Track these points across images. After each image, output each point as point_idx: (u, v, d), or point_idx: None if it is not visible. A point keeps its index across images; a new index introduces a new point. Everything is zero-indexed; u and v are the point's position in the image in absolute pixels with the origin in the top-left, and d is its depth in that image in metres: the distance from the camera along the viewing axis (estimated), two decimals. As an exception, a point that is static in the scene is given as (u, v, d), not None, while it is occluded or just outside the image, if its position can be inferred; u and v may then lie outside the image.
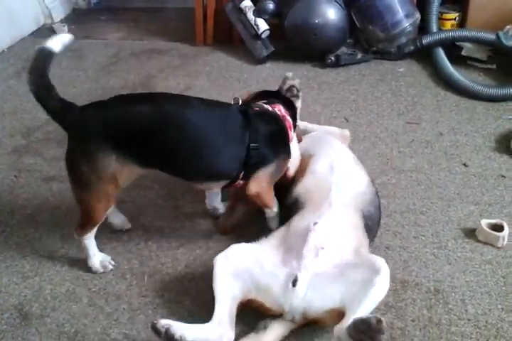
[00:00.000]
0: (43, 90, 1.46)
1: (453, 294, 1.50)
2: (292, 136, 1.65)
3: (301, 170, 1.68)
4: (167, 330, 1.22)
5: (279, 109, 1.64)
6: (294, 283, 1.33)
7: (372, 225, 1.56)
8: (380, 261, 1.32)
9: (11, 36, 3.34)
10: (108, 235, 1.76)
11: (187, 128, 1.44)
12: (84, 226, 1.54)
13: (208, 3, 3.13)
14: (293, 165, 1.67)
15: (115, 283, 1.58)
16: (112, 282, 1.59)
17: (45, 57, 1.47)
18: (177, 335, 1.22)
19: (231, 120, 1.51)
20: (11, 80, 2.88)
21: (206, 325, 1.30)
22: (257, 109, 1.59)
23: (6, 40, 3.29)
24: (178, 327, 1.24)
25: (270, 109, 1.62)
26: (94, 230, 1.56)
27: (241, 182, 1.58)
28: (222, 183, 1.58)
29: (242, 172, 1.54)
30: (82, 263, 1.65)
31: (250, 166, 1.52)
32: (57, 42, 1.49)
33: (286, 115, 1.63)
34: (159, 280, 1.58)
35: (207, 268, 1.60)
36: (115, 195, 1.52)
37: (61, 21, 3.69)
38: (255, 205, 1.65)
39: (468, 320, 1.43)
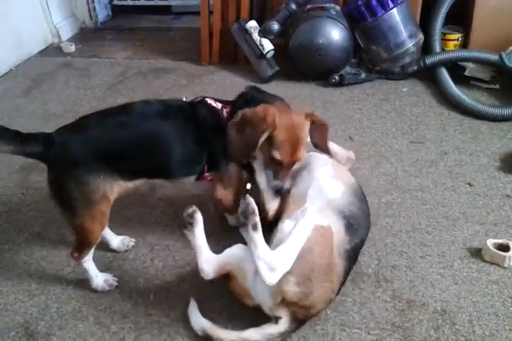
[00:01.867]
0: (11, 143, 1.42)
1: (460, 314, 1.50)
2: None
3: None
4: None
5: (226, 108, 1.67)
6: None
7: (356, 224, 1.57)
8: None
9: (19, 55, 3.40)
10: (114, 254, 1.77)
11: (158, 139, 1.55)
12: (82, 249, 1.55)
13: (214, 24, 3.18)
14: None
15: (121, 302, 1.58)
16: (118, 300, 1.59)
17: None
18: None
19: (188, 124, 1.59)
20: (18, 99, 2.92)
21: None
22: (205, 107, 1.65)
23: (13, 59, 3.35)
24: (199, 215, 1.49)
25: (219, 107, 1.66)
26: (92, 252, 1.58)
27: (207, 174, 1.68)
28: (192, 178, 1.69)
29: (206, 166, 1.65)
30: (88, 282, 1.65)
31: (210, 161, 1.64)
32: None
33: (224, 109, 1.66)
34: (165, 299, 1.58)
35: (214, 286, 1.60)
36: (108, 213, 1.55)
37: (68, 40, 3.76)
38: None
39: (476, 341, 1.42)
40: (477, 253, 1.71)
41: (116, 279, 1.65)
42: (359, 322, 1.49)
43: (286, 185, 1.65)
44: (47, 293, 1.62)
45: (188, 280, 1.65)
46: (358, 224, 1.59)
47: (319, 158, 1.81)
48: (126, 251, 1.79)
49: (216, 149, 1.62)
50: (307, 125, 1.61)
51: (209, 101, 1.66)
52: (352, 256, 1.54)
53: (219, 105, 1.67)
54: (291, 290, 1.37)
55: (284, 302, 1.39)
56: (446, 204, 1.95)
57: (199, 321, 1.46)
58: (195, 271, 1.66)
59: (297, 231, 1.40)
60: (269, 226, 1.64)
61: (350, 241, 1.52)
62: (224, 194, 1.70)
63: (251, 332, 1.40)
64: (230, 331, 1.43)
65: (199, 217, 1.49)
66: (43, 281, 1.67)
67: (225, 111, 1.66)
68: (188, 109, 1.63)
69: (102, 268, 1.70)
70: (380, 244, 1.77)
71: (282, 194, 1.68)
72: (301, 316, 1.43)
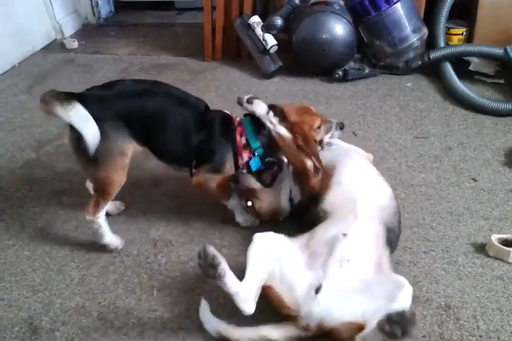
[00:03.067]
0: None
1: (464, 310, 1.49)
2: (240, 141, 1.75)
3: (325, 181, 1.66)
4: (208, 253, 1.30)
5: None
6: (318, 290, 1.33)
7: (394, 238, 1.54)
8: (402, 279, 1.32)
9: (22, 51, 3.39)
10: (117, 250, 1.76)
11: (166, 119, 1.68)
12: (100, 202, 1.65)
13: (217, 19, 3.17)
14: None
15: (125, 298, 1.58)
16: (122, 296, 1.59)
17: None
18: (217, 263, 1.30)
19: (195, 116, 1.73)
20: (22, 95, 2.92)
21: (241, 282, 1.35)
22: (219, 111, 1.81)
23: (17, 55, 3.34)
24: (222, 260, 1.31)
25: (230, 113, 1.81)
26: (106, 208, 1.69)
27: (194, 170, 1.76)
28: (185, 169, 1.78)
29: (194, 162, 1.74)
30: (92, 277, 1.66)
31: (198, 156, 1.72)
32: None
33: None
34: (168, 295, 1.58)
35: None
36: (126, 169, 1.67)
37: (71, 36, 3.75)
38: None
39: (480, 336, 1.41)
40: (481, 248, 1.71)
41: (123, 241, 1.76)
42: (363, 318, 1.48)
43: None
44: (50, 289, 1.62)
45: (192, 275, 1.65)
46: (396, 237, 1.56)
47: (355, 151, 1.84)
48: (118, 214, 1.91)
49: (216, 149, 1.73)
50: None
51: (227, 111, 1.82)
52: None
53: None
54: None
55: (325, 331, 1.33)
56: (450, 200, 1.94)
57: (213, 323, 1.41)
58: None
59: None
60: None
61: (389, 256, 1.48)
62: (200, 179, 1.74)
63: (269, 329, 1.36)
64: (247, 328, 1.37)
65: (224, 265, 1.32)
66: (47, 277, 1.67)
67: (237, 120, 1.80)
68: (206, 109, 1.79)
69: (105, 264, 1.70)
70: (384, 239, 1.76)
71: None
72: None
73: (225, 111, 1.82)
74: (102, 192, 1.65)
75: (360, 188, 1.58)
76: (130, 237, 1.82)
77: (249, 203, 1.74)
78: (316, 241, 1.47)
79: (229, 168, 1.74)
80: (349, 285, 1.34)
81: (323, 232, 1.48)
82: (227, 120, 1.78)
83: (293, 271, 1.39)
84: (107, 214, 1.76)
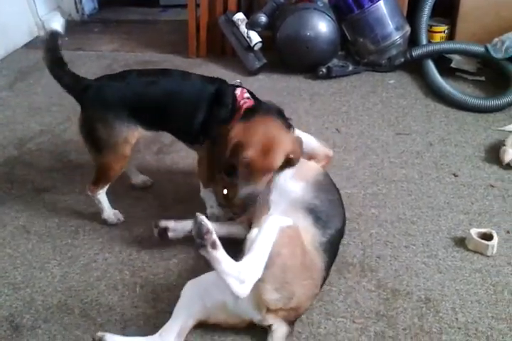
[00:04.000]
0: (57, 66, 1.70)
1: (443, 303, 1.52)
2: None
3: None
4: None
5: (244, 97, 1.68)
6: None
7: (325, 216, 1.54)
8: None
9: (4, 48, 3.36)
10: (100, 245, 1.76)
11: (175, 100, 1.69)
12: (100, 183, 1.76)
13: (201, 16, 3.17)
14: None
15: (107, 294, 1.58)
16: (104, 293, 1.58)
17: (55, 38, 1.69)
18: None
19: (203, 95, 1.69)
20: (3, 91, 2.89)
21: (147, 338, 1.39)
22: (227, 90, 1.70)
23: (-1, 51, 3.31)
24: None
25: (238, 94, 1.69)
26: (106, 187, 1.79)
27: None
28: (196, 146, 1.77)
29: (202, 137, 1.71)
30: (74, 274, 1.65)
31: (204, 132, 1.69)
32: (60, 25, 1.76)
33: (246, 103, 1.67)
34: (151, 291, 1.58)
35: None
36: (129, 156, 1.74)
37: (55, 33, 3.71)
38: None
39: (459, 328, 1.44)
40: (461, 242, 1.73)
41: (122, 218, 1.85)
42: (344, 311, 1.50)
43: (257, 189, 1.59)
44: (32, 286, 1.61)
45: (175, 272, 1.65)
46: (328, 215, 1.57)
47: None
48: (143, 188, 2.03)
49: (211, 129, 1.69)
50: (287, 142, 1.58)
51: (238, 93, 1.69)
52: (331, 248, 1.52)
53: (244, 99, 1.67)
54: (272, 298, 1.35)
55: (270, 311, 1.37)
56: (431, 195, 1.96)
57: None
58: (181, 263, 1.68)
59: (261, 236, 1.35)
60: None
61: (324, 234, 1.50)
62: (202, 155, 1.77)
63: None
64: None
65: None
66: (29, 274, 1.66)
67: (244, 104, 1.66)
68: (213, 92, 1.70)
69: (88, 261, 1.70)
70: (366, 234, 1.78)
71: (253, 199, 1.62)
72: (293, 317, 1.42)
73: (236, 91, 1.71)
74: (101, 176, 1.76)
75: (272, 197, 1.61)
76: (112, 234, 1.82)
77: (225, 191, 1.74)
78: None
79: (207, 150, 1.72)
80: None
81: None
82: (231, 95, 1.69)
83: (218, 291, 1.40)
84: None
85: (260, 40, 2.96)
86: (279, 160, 1.56)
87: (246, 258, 1.31)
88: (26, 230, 1.85)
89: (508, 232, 1.77)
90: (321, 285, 1.49)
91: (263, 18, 2.95)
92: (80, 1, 3.98)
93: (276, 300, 1.36)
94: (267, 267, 1.31)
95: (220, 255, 1.26)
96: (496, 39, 2.71)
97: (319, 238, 1.49)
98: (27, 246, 1.78)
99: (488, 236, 1.70)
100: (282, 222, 1.41)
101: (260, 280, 1.31)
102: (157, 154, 2.27)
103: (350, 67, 2.93)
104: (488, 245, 1.66)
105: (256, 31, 2.97)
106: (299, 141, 1.66)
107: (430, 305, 1.51)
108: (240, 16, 3.02)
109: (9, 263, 1.71)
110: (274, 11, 2.96)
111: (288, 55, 2.95)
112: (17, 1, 3.45)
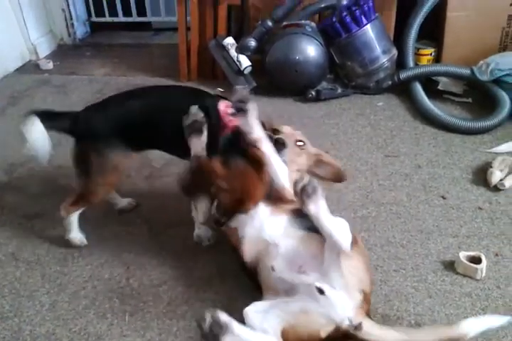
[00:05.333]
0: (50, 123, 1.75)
1: (434, 328, 1.51)
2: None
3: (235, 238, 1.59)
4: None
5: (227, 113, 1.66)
6: (321, 291, 1.28)
7: None
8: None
9: (-4, 72, 3.38)
10: (89, 273, 1.75)
11: (165, 117, 1.71)
12: (77, 205, 1.80)
13: (192, 40, 3.21)
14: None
15: (96, 323, 1.56)
16: (93, 321, 1.57)
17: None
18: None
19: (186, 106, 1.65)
20: (-5, 116, 2.90)
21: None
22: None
23: (-10, 76, 3.33)
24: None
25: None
26: (81, 210, 1.83)
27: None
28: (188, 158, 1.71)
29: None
30: (63, 302, 1.64)
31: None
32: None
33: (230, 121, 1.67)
34: (141, 319, 1.57)
35: (189, 305, 1.60)
36: (116, 183, 1.86)
37: (46, 57, 3.75)
38: None
39: (449, 354, 1.43)
40: (450, 265, 1.74)
41: (85, 242, 1.87)
42: (334, 338, 1.49)
43: None
44: (20, 316, 1.60)
45: (164, 299, 1.64)
46: None
47: None
48: (130, 210, 2.05)
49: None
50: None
51: (222, 108, 1.71)
52: None
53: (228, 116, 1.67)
54: (365, 278, 1.35)
55: (363, 298, 1.31)
56: (420, 218, 1.97)
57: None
58: (171, 290, 1.67)
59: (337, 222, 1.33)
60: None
61: None
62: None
63: None
64: None
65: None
66: (16, 303, 1.64)
67: (230, 123, 1.67)
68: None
69: (77, 289, 1.69)
70: (356, 258, 1.78)
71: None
72: (368, 312, 1.36)
73: (219, 105, 1.73)
74: (83, 199, 1.79)
75: (266, 233, 1.52)
76: (102, 260, 1.81)
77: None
78: (271, 285, 1.44)
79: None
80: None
81: (266, 277, 1.46)
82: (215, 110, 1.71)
83: (292, 303, 1.34)
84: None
85: (250, 64, 3.00)
86: (254, 203, 1.54)
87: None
88: (15, 257, 1.84)
89: (496, 255, 1.77)
90: None
91: (252, 43, 3.00)
92: (72, 25, 4.03)
93: (368, 281, 1.36)
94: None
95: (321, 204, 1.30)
96: (481, 62, 2.76)
97: None
98: (15, 274, 1.77)
99: (476, 260, 1.70)
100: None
101: (347, 257, 1.31)
102: (147, 179, 2.28)
103: (339, 90, 2.97)
104: (477, 268, 1.67)
105: (246, 55, 3.01)
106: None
107: (420, 331, 1.50)
108: (229, 41, 3.06)
109: (-3, 291, 1.70)
110: (263, 36, 3.01)
111: (277, 79, 2.99)
112: (8, 25, 3.48)
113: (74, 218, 1.83)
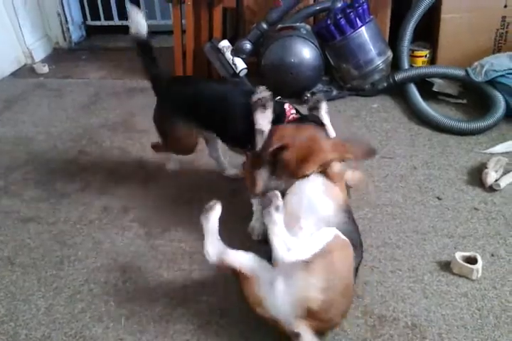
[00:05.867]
0: (148, 60, 2.00)
1: (430, 328, 1.51)
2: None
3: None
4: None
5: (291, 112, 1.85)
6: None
7: (355, 242, 1.53)
8: None
9: (-9, 77, 3.38)
10: (85, 276, 1.75)
11: (223, 105, 1.87)
12: (162, 150, 2.15)
13: (187, 43, 3.22)
14: None
15: (92, 326, 1.56)
16: (89, 325, 1.56)
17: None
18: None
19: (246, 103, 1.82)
20: (-10, 121, 2.90)
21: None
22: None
23: (-14, 80, 3.33)
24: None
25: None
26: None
27: (248, 153, 1.86)
28: (243, 150, 1.92)
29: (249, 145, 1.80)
30: (59, 306, 1.63)
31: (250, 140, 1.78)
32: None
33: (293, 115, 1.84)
34: (137, 323, 1.56)
35: (185, 308, 1.60)
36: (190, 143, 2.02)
37: (42, 61, 3.75)
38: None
39: (446, 354, 1.44)
40: (446, 266, 1.74)
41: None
42: (331, 339, 1.49)
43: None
44: (16, 320, 1.59)
45: (161, 302, 1.64)
46: (356, 242, 1.56)
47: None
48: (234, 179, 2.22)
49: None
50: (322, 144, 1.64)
51: (287, 107, 1.87)
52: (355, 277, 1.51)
53: (292, 114, 1.85)
54: (315, 296, 1.32)
55: (306, 313, 1.33)
56: (415, 219, 1.98)
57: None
58: (168, 294, 1.67)
59: (317, 235, 1.43)
60: None
61: (355, 259, 1.49)
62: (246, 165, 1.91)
63: None
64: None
65: (218, 207, 1.58)
66: (12, 307, 1.64)
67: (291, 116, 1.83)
68: None
69: (73, 292, 1.69)
70: (352, 259, 1.78)
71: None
72: (321, 330, 1.39)
73: (285, 105, 1.88)
74: (165, 150, 2.13)
75: (302, 212, 1.60)
76: (98, 264, 1.80)
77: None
78: None
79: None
80: None
81: None
82: (283, 112, 1.84)
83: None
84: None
85: (245, 66, 3.00)
86: (313, 166, 1.63)
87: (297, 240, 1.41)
88: (11, 261, 1.83)
89: (492, 255, 1.78)
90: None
91: (248, 45, 3.00)
92: (68, 29, 4.03)
93: (318, 302, 1.32)
94: (316, 258, 1.36)
95: (278, 218, 1.40)
96: (476, 63, 2.77)
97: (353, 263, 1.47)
98: (11, 278, 1.76)
99: (472, 260, 1.71)
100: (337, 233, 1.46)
101: (307, 271, 1.34)
102: (144, 182, 2.27)
103: (335, 92, 2.98)
104: (472, 269, 1.67)
105: (241, 58, 3.01)
106: (342, 147, 1.66)
107: (416, 332, 1.50)
108: (225, 43, 3.06)
109: (-8, 296, 1.69)
110: (258, 38, 3.01)
111: (273, 81, 2.98)
112: (3, 30, 3.48)
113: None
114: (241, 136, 1.84)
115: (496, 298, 1.61)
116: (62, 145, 2.62)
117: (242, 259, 1.47)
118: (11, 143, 2.66)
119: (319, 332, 1.38)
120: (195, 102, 1.90)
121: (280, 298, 1.35)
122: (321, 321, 1.36)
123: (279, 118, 1.78)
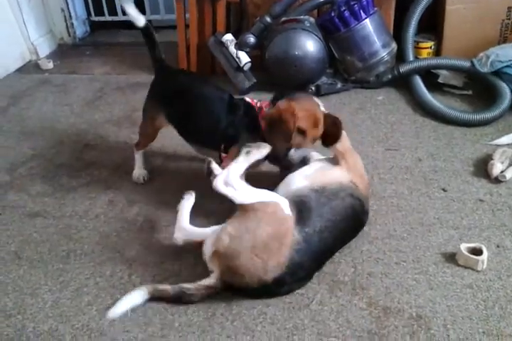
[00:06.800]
0: (149, 44, 2.19)
1: (435, 319, 1.51)
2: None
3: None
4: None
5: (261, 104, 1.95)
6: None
7: (305, 211, 1.63)
8: None
9: (-3, 73, 3.40)
10: (91, 270, 1.76)
11: (197, 102, 1.99)
12: (138, 144, 2.23)
13: (191, 37, 3.22)
14: None
15: (98, 319, 1.57)
16: (95, 318, 1.58)
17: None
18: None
19: (221, 102, 1.97)
20: (-4, 117, 2.91)
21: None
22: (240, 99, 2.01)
23: (-10, 77, 3.34)
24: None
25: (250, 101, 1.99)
26: (142, 150, 2.24)
27: (223, 155, 1.93)
28: (214, 153, 1.94)
29: (222, 146, 1.92)
30: (65, 299, 1.65)
31: (226, 140, 1.91)
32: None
33: (263, 103, 1.96)
34: (142, 315, 1.57)
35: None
36: (153, 131, 2.16)
37: (46, 57, 3.76)
38: None
39: (451, 345, 1.44)
40: (451, 257, 1.74)
41: (146, 179, 2.22)
42: (336, 331, 1.50)
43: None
44: (23, 313, 1.61)
45: (166, 294, 1.65)
46: (312, 214, 1.63)
47: (311, 156, 1.98)
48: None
49: (240, 131, 1.91)
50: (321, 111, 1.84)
51: (249, 100, 2.00)
52: (305, 252, 1.57)
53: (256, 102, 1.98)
54: (224, 239, 1.55)
55: (216, 254, 1.56)
56: (421, 210, 1.97)
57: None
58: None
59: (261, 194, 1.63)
60: None
61: (301, 231, 1.58)
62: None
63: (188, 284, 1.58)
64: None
65: (191, 197, 1.81)
66: (20, 301, 1.65)
67: (259, 104, 1.96)
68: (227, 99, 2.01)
69: (79, 286, 1.70)
70: (356, 251, 1.78)
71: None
72: (227, 277, 1.56)
73: (246, 99, 2.01)
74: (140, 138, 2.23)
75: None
76: (104, 258, 1.82)
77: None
78: None
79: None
80: None
81: None
82: (249, 106, 1.96)
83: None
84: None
85: (249, 60, 2.99)
86: (321, 131, 1.84)
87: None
88: (18, 256, 1.85)
89: (497, 246, 1.77)
90: (276, 282, 1.54)
91: (251, 39, 2.99)
92: (72, 25, 4.04)
93: (223, 245, 1.54)
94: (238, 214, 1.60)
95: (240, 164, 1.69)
96: (481, 54, 2.75)
97: (295, 234, 1.57)
98: (18, 272, 1.78)
99: (478, 251, 1.70)
100: (276, 198, 1.64)
101: (231, 218, 1.61)
102: (148, 176, 2.28)
103: (339, 85, 2.97)
104: (478, 260, 1.67)
105: (245, 51, 3.01)
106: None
107: (421, 323, 1.50)
108: (228, 37, 3.06)
109: (0, 289, 1.70)
110: (262, 32, 3.01)
111: (277, 74, 2.98)
112: (8, 26, 3.50)
113: (138, 156, 2.23)
114: (205, 134, 1.97)
115: (501, 288, 1.61)
116: (68, 140, 2.63)
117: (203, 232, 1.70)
118: (17, 138, 2.67)
119: (226, 279, 1.56)
120: (170, 93, 2.04)
121: (208, 238, 1.63)
122: (227, 267, 1.55)
123: (247, 113, 1.93)
